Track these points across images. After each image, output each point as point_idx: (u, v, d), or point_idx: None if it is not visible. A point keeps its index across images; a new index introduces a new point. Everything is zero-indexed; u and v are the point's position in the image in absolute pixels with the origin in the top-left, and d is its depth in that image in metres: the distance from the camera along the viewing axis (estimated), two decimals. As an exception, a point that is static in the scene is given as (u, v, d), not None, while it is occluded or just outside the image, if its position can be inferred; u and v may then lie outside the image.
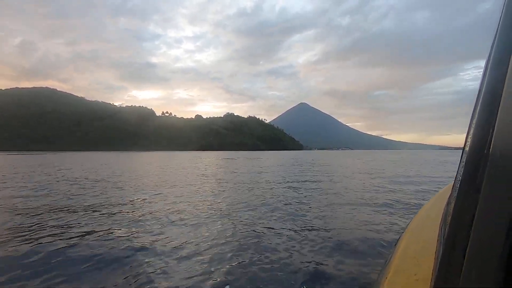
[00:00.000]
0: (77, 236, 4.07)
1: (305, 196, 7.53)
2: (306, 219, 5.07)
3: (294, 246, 3.68)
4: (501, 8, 0.41)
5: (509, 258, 0.21)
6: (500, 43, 0.39)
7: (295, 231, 4.37)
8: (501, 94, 0.33)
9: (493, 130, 0.33)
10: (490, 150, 0.32)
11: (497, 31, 0.41)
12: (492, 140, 0.32)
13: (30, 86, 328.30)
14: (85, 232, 4.29)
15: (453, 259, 0.36)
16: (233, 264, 3.16)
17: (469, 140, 0.46)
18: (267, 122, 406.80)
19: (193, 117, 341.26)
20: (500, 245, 0.23)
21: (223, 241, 3.90)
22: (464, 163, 0.45)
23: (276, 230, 4.39)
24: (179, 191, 8.43)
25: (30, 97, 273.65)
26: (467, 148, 0.47)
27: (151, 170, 17.42)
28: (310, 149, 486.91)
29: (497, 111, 0.33)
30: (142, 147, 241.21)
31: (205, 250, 3.54)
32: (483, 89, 0.42)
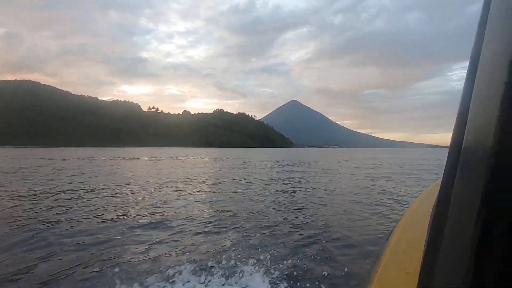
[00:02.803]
0: None
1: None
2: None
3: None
4: (480, 12, 0.42)
5: (478, 248, 0.22)
6: (475, 45, 0.40)
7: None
8: (471, 96, 0.35)
9: (464, 130, 0.35)
10: (462, 149, 0.35)
11: (477, 33, 0.42)
12: (464, 140, 0.34)
13: (12, 79, 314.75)
14: None
15: (434, 253, 0.38)
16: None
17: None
18: (257, 119, 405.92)
19: (181, 113, 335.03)
20: (468, 239, 0.24)
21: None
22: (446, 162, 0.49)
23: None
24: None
25: (10, 90, 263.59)
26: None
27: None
28: (301, 146, 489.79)
29: (468, 112, 0.35)
30: (127, 144, 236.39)
31: None
32: (462, 91, 0.44)
